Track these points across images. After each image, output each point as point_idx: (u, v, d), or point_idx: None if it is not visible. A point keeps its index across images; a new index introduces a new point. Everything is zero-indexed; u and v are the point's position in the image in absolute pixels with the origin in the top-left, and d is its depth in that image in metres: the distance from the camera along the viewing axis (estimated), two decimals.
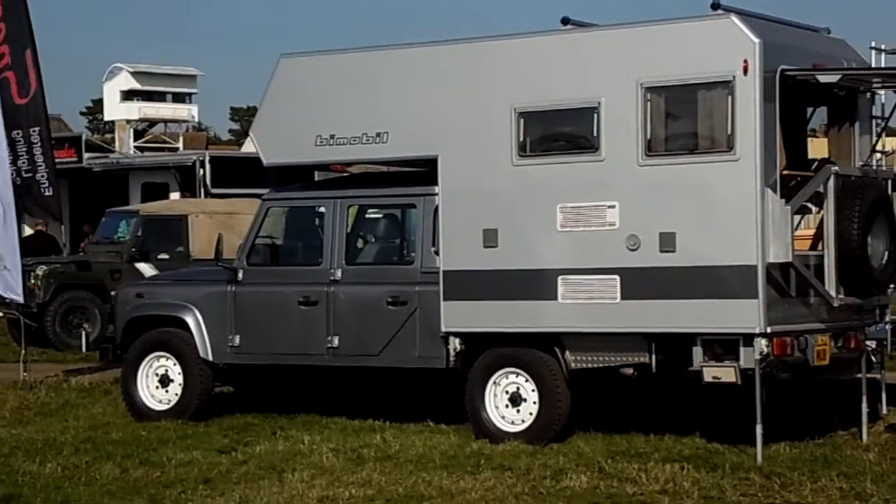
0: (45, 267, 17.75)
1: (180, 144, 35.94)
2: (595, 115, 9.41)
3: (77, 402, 12.47)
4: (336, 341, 10.53)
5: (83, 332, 17.36)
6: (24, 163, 16.32)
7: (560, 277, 9.55)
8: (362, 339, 10.45)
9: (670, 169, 9.21)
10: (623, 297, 9.33)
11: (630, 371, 9.54)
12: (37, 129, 16.42)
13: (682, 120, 9.26)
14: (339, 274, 10.61)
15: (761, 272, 8.92)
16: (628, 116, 9.27)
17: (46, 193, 16.77)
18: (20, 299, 14.15)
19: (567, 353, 9.68)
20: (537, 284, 9.63)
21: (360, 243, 11.11)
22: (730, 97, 8.95)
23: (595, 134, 9.44)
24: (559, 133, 9.71)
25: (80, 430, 10.87)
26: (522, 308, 9.71)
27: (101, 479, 8.97)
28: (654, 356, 9.36)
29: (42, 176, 16.60)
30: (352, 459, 9.36)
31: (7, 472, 9.22)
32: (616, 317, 9.37)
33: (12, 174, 14.04)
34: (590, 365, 9.62)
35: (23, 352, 14.27)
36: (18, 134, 15.99)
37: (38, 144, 16.50)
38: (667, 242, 9.17)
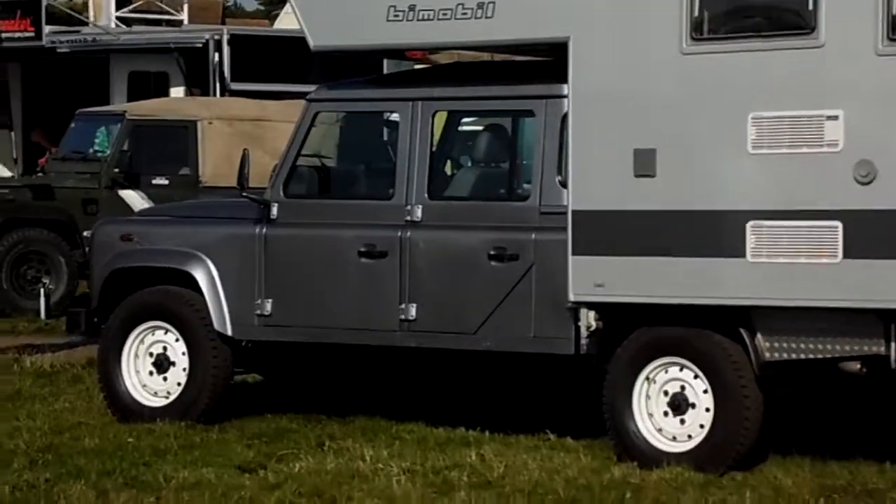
0: None
1: (185, 16, 36.05)
2: None
3: (34, 392, 12.63)
4: (413, 311, 10.60)
5: (42, 290, 17.56)
6: None
7: (750, 223, 9.53)
8: (451, 310, 10.52)
9: None
10: (847, 256, 9.27)
11: (857, 366, 9.50)
12: None
13: None
14: (418, 213, 10.67)
15: None
16: None
17: None
18: None
19: (759, 336, 9.66)
20: (716, 234, 9.62)
21: (449, 168, 11.18)
22: None
23: (810, 7, 9.34)
24: (754, 5, 9.67)
25: (37, 434, 10.97)
26: (693, 268, 9.70)
27: None
28: (893, 344, 9.30)
29: None
30: (435, 485, 9.43)
31: None
32: (836, 284, 9.31)
33: None
34: (793, 355, 9.59)
35: None
36: None
37: None
38: None
